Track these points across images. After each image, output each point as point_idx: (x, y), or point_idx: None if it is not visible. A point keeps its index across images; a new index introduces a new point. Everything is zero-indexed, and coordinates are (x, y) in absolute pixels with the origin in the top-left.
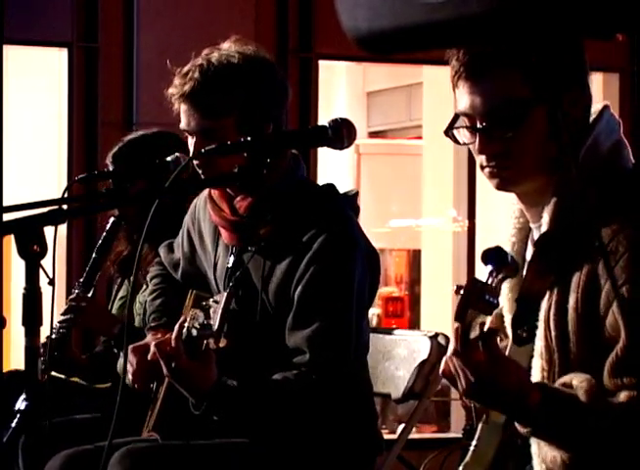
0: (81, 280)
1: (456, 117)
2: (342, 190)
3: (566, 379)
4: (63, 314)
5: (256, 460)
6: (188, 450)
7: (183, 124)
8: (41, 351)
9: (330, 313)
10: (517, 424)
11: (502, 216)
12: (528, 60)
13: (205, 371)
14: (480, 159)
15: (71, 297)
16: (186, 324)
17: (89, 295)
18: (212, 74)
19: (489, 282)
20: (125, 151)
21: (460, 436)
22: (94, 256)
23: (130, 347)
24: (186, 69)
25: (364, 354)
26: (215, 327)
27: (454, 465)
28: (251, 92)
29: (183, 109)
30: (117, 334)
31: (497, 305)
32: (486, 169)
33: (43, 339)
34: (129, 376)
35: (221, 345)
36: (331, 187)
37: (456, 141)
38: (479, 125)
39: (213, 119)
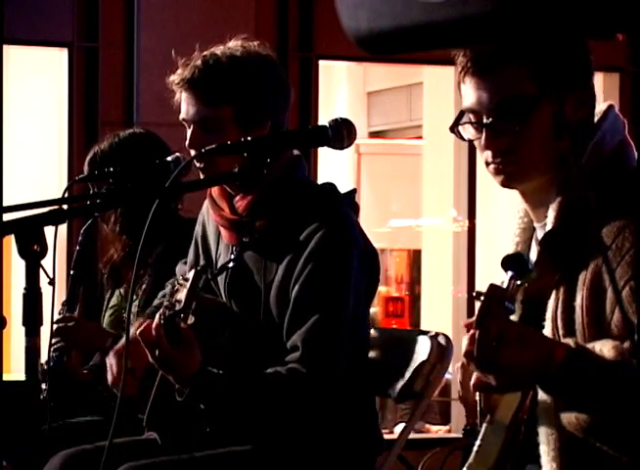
0: (65, 299)
1: (461, 113)
2: (342, 190)
3: (588, 346)
4: (53, 337)
5: (257, 467)
6: (187, 465)
7: (182, 113)
8: (41, 377)
9: (324, 310)
10: (539, 389)
11: (502, 216)
12: (535, 57)
13: (188, 357)
14: (486, 155)
15: (57, 318)
16: (163, 309)
17: (75, 313)
18: (214, 63)
19: (508, 288)
20: (105, 154)
21: (460, 436)
22: (72, 272)
23: (112, 351)
24: (190, 59)
25: (363, 352)
26: (182, 305)
27: (454, 465)
28: (252, 84)
29: (183, 97)
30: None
31: (513, 310)
32: (492, 166)
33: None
34: (110, 378)
35: (189, 322)
36: (330, 186)
37: (461, 137)
38: (485, 121)
39: (212, 107)
